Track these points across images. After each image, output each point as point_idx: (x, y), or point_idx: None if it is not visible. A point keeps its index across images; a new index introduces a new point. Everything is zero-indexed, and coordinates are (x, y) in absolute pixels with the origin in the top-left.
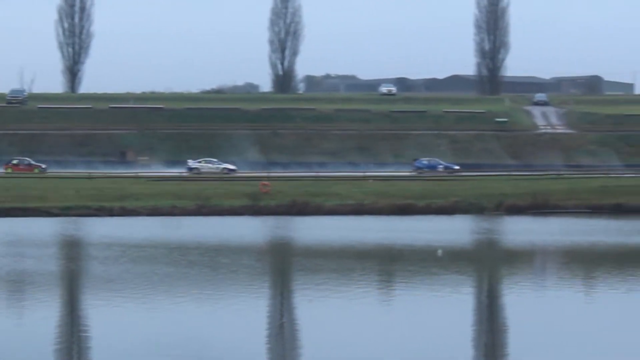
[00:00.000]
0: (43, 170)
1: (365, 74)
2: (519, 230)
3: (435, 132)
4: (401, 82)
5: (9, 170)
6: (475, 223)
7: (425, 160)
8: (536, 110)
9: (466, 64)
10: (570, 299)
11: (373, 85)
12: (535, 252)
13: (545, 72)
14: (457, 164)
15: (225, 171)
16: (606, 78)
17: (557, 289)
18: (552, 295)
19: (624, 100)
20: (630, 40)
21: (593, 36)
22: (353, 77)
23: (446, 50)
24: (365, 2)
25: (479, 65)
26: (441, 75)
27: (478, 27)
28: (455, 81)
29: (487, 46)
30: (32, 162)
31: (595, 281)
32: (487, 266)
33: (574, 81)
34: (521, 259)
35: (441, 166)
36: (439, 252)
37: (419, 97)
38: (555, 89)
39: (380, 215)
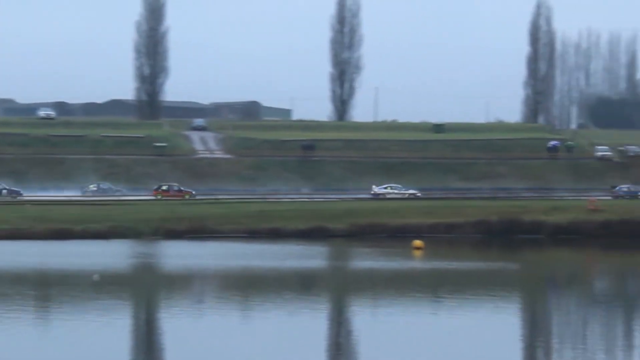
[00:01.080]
0: (193, 196)
1: (24, 97)
2: (175, 254)
3: (94, 156)
4: (60, 106)
5: (159, 197)
6: (132, 248)
7: (625, 187)
8: (195, 135)
9: (126, 89)
10: (226, 321)
11: (31, 109)
12: (191, 276)
13: (205, 97)
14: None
15: (411, 197)
16: (265, 104)
17: (213, 311)
18: (208, 316)
19: (281, 125)
20: (288, 67)
21: (252, 62)
22: (11, 101)
23: (106, 74)
24: (28, 21)
25: (138, 89)
26: (101, 99)
27: (138, 51)
28: (115, 105)
29: (146, 71)
30: (182, 188)
31: (250, 303)
32: (144, 290)
33: (232, 107)
34: (177, 282)
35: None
36: (95, 276)
37: (78, 122)
38: (215, 114)
39: (37, 240)
